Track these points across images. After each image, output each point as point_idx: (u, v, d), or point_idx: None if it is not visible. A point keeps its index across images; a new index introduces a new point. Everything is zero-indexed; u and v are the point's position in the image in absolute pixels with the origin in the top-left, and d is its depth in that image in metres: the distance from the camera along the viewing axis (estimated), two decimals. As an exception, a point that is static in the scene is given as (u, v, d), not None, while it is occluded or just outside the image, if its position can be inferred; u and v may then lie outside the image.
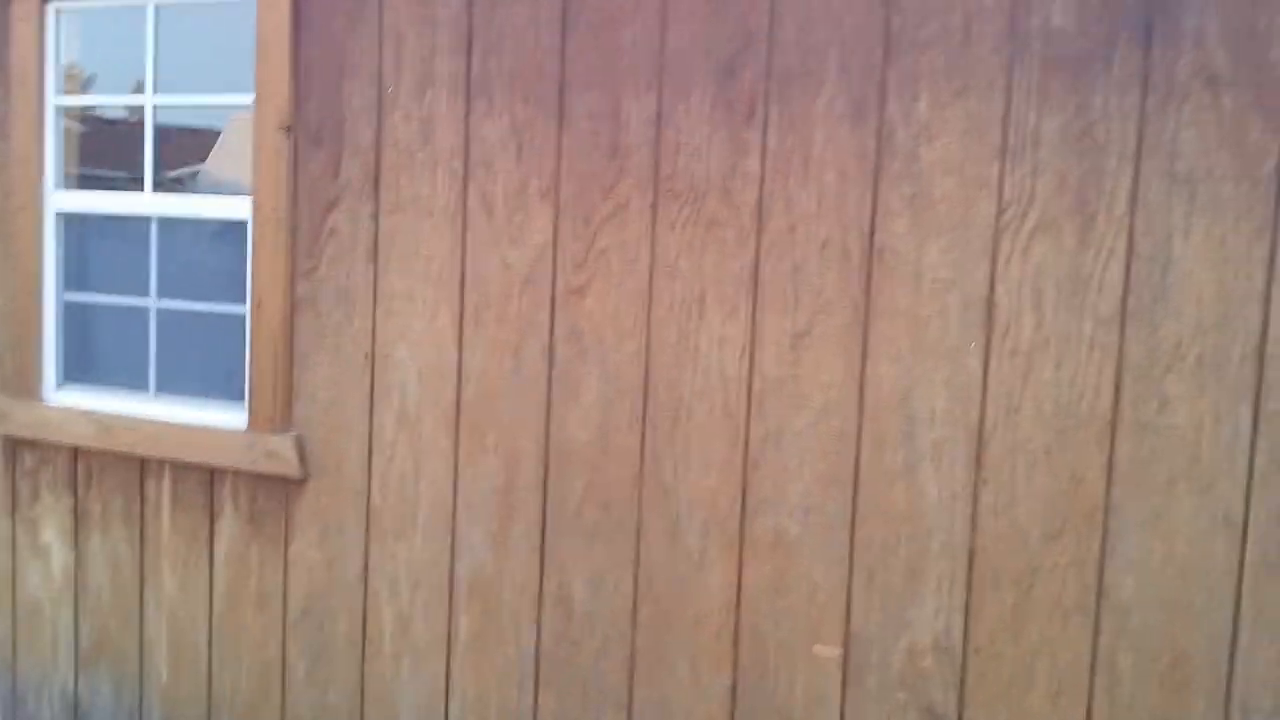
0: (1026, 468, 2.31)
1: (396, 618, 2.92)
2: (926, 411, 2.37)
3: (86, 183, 3.41)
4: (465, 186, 2.79)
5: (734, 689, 2.57)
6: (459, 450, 2.82)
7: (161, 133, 3.27)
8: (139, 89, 3.27)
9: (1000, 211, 2.29)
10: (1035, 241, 2.27)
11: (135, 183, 3.29)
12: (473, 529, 2.81)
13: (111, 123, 3.45)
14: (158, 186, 3.27)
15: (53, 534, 3.41)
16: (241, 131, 3.18)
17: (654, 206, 2.59)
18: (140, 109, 3.26)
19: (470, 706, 2.84)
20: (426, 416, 2.86)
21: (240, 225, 3.10)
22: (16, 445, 3.44)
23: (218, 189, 3.29)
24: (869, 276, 2.40)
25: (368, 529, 2.94)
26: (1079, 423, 2.27)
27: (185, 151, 3.35)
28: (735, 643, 2.56)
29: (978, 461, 2.34)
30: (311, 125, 2.94)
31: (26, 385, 3.39)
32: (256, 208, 3.01)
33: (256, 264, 3.01)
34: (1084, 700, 2.30)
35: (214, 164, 3.35)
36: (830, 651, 2.47)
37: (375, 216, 2.89)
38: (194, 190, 3.35)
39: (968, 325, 2.33)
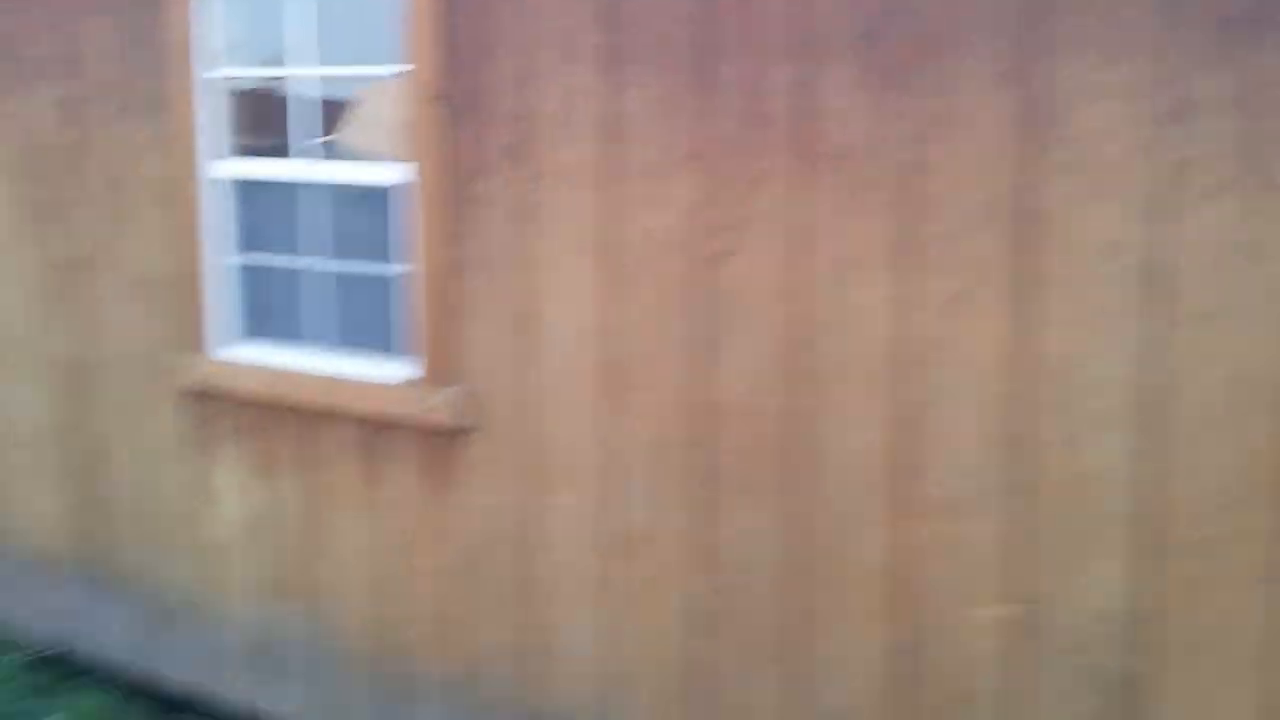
0: (1203, 435, 2.28)
1: (556, 566, 3.09)
2: (1094, 377, 2.37)
3: (244, 151, 3.57)
4: (611, 154, 2.84)
5: (895, 647, 2.65)
6: (612, 408, 2.94)
7: (301, 103, 3.40)
8: (287, 60, 3.38)
9: (1166, 175, 2.26)
10: (1205, 206, 2.23)
11: (284, 151, 3.44)
12: (628, 483, 2.95)
13: (260, 93, 3.57)
14: (304, 153, 3.41)
15: (231, 479, 3.67)
16: (373, 102, 3.29)
17: (801, 171, 2.61)
18: (286, 79, 3.38)
19: (631, 653, 3.00)
20: (579, 375, 2.98)
21: (390, 190, 3.23)
22: (195, 397, 3.69)
23: (352, 156, 3.42)
24: (1026, 241, 2.41)
25: (528, 480, 3.10)
26: (1259, 389, 2.23)
27: (321, 121, 3.47)
28: (895, 602, 2.64)
29: (1151, 428, 2.33)
30: (461, 96, 3.02)
31: (201, 342, 3.61)
32: (414, 175, 3.12)
33: (416, 228, 3.14)
34: (1270, 669, 2.29)
35: (347, 133, 3.47)
36: (995, 613, 2.52)
37: (524, 183, 2.97)
38: (330, 157, 3.48)
39: (1135, 291, 2.32)
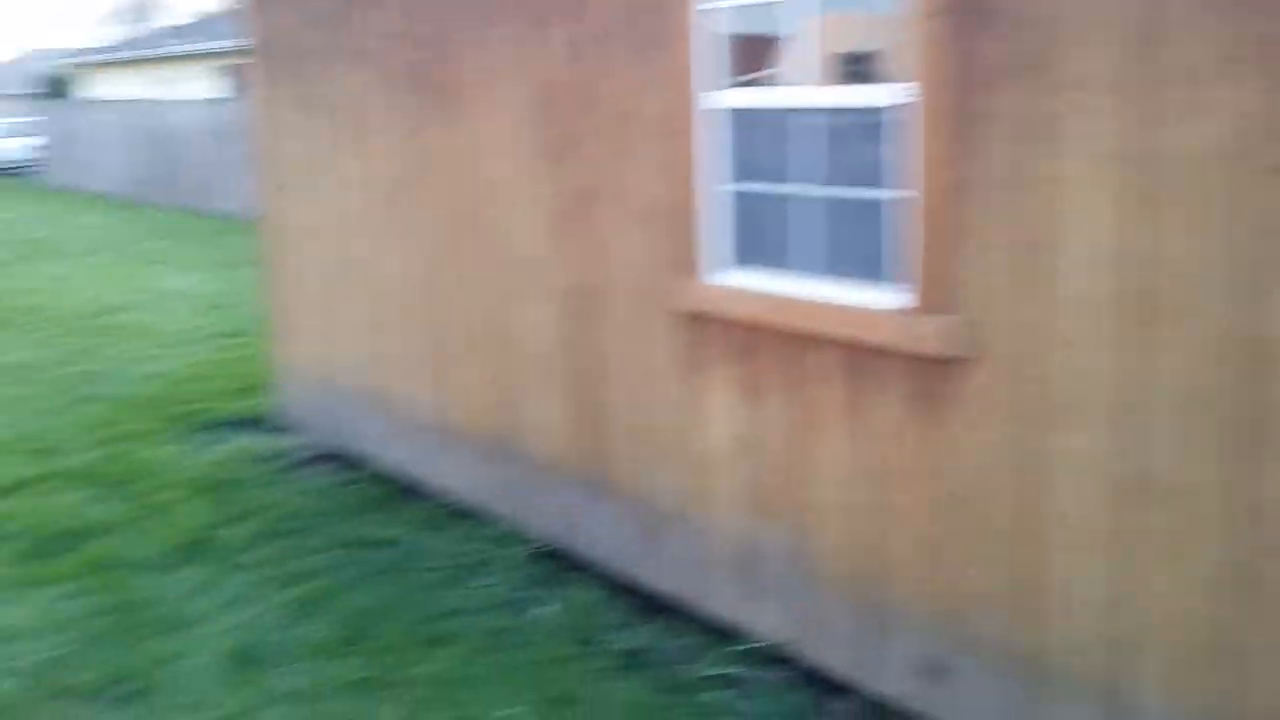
0: None
1: (1060, 510, 2.89)
2: None
3: (737, 81, 3.63)
4: (1142, 57, 2.55)
5: None
6: (1135, 342, 2.68)
7: (795, 28, 3.39)
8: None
9: None
10: None
11: (777, 78, 3.46)
12: (1152, 427, 2.68)
13: (755, 21, 3.60)
14: (797, 79, 3.40)
15: (719, 399, 3.81)
16: (807, 37, 3.25)
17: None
18: (779, 5, 3.39)
19: (1146, 613, 2.76)
20: (1095, 305, 2.74)
21: (887, 112, 3.14)
22: (689, 320, 3.86)
23: (844, 79, 3.38)
24: None
25: (1030, 416, 2.92)
26: None
27: (816, 45, 3.44)
28: None
29: None
30: (969, 6, 2.85)
31: (695, 267, 3.76)
32: (912, 94, 3.01)
33: (913, 151, 3.03)
34: None
35: (782, 69, 3.43)
36: None
37: (1036, 96, 2.75)
38: (823, 81, 3.46)
39: None
